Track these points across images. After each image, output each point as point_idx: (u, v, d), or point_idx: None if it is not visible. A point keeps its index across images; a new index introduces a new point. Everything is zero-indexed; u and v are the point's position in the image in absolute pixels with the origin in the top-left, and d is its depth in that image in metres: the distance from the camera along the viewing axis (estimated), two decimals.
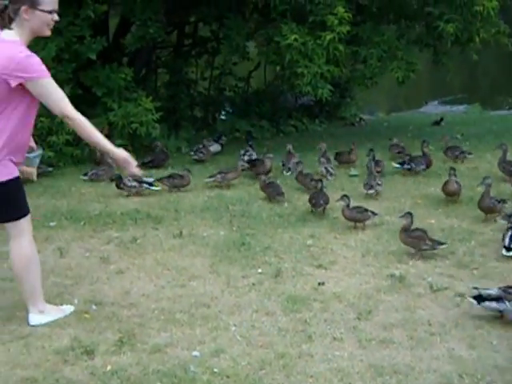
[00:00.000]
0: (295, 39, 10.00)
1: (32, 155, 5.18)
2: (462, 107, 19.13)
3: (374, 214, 7.19)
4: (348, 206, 7.09)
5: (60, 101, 4.73)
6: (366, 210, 7.15)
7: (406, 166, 9.20)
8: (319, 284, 5.65)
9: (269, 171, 9.08)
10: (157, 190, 8.51)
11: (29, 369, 4.35)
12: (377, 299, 5.35)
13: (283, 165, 9.61)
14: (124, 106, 10.54)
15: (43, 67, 4.61)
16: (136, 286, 5.65)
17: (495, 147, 9.49)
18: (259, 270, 5.97)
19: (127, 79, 10.71)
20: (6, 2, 4.60)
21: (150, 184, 8.52)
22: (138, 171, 5.02)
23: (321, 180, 7.94)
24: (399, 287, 5.57)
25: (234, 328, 4.87)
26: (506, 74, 24.00)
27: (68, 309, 5.18)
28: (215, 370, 4.30)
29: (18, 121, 4.64)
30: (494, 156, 9.61)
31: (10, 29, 4.63)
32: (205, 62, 14.47)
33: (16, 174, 4.76)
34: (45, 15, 4.62)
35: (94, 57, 10.39)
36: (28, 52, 4.58)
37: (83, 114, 10.38)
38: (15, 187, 4.79)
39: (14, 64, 4.47)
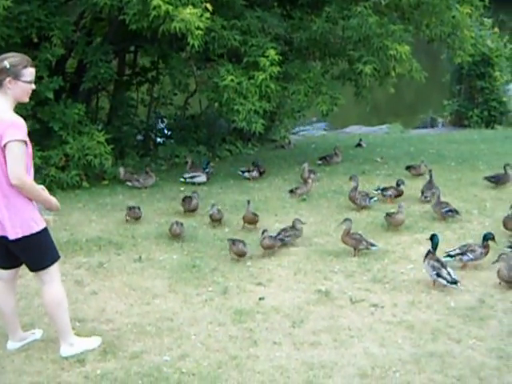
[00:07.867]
0: (231, 80, 11.02)
1: None
2: (384, 127, 20.24)
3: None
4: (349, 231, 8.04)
5: (22, 167, 5.16)
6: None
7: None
8: (260, 299, 6.87)
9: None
10: None
11: (33, 375, 5.43)
12: (307, 310, 6.59)
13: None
14: (79, 139, 11.55)
15: (25, 131, 5.16)
16: (109, 305, 6.77)
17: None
18: (210, 289, 7.15)
19: (80, 114, 11.73)
20: None
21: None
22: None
23: None
24: (325, 300, 6.81)
25: (194, 337, 6.06)
26: (427, 90, 25.27)
27: (96, 340, 5.87)
28: (183, 370, 5.48)
29: None
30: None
31: None
32: (146, 89, 15.39)
33: (44, 224, 5.39)
34: (25, 85, 5.28)
35: (51, 95, 11.39)
36: (16, 116, 5.21)
37: (41, 146, 11.42)
38: (46, 236, 5.42)
39: (4, 127, 5.06)
